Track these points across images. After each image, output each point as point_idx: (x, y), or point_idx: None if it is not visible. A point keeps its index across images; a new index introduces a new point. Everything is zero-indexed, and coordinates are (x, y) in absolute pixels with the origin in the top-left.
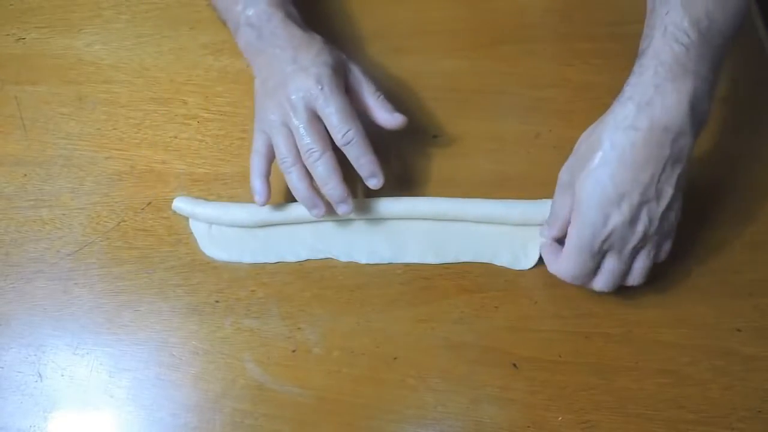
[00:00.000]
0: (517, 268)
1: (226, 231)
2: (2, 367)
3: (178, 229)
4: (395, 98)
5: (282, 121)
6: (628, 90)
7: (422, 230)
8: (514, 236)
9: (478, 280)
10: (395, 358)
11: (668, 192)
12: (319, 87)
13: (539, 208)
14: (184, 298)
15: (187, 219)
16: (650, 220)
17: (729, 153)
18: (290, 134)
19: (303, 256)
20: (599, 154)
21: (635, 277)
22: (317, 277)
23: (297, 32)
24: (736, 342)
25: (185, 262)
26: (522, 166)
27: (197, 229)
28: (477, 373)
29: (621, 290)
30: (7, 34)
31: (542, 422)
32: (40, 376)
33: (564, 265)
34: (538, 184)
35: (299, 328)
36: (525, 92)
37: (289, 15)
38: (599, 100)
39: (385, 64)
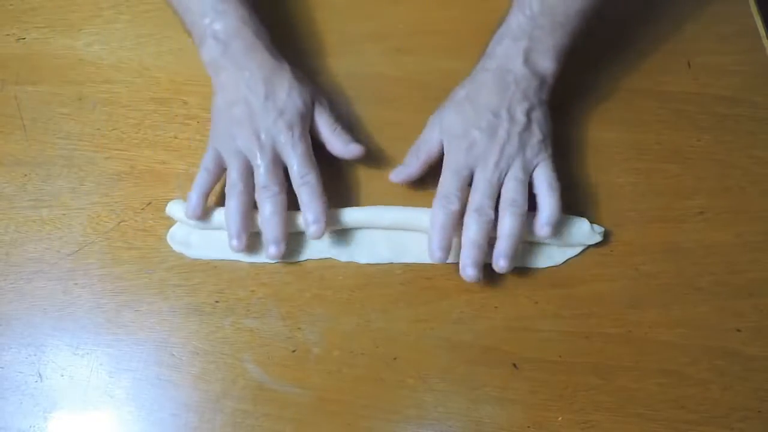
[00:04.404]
0: (518, 265)
1: (212, 234)
2: (2, 367)
3: None
4: (395, 98)
5: (244, 151)
6: (486, 50)
7: (422, 230)
8: None
9: None
10: (395, 358)
11: (520, 118)
12: (290, 133)
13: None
14: (184, 298)
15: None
16: (508, 136)
17: (728, 152)
18: (247, 164)
19: (303, 256)
20: (462, 91)
21: (508, 198)
22: (317, 277)
23: (267, 57)
24: (736, 342)
25: (185, 262)
26: None
27: (176, 237)
28: (477, 373)
29: (621, 290)
30: (7, 34)
31: (542, 422)
32: (40, 376)
33: (441, 184)
34: None
35: (299, 328)
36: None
37: (257, 34)
38: (599, 99)
39: (385, 64)
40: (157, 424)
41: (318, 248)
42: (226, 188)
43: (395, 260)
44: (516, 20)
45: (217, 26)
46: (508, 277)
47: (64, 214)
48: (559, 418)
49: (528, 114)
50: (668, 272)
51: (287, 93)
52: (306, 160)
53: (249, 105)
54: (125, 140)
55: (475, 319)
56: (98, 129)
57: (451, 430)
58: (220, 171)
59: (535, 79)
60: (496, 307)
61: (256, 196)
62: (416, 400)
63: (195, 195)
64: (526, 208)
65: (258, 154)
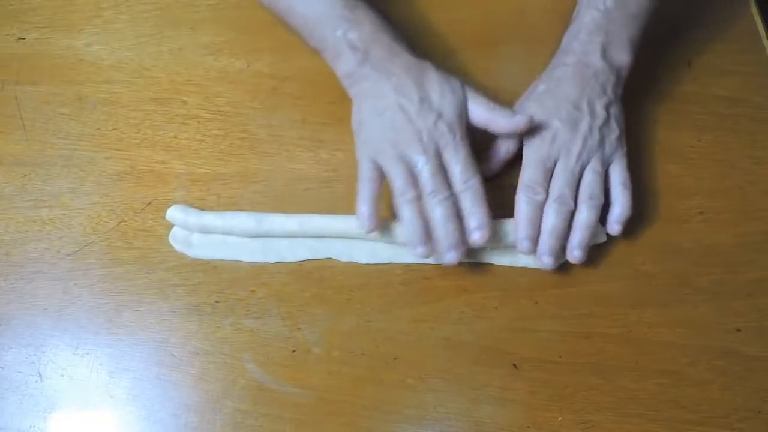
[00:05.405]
0: (519, 266)
1: (210, 236)
2: (2, 367)
3: None
4: None
5: (404, 157)
6: (561, 46)
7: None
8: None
9: (478, 280)
10: (395, 358)
11: (600, 112)
12: (452, 135)
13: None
14: (184, 298)
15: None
16: (590, 130)
17: (728, 152)
18: (409, 169)
19: (303, 256)
20: (541, 86)
21: (585, 190)
22: (317, 277)
23: (410, 59)
24: (736, 342)
25: (185, 262)
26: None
27: (178, 238)
28: (477, 373)
29: (621, 290)
30: (7, 34)
31: (542, 422)
32: (40, 376)
33: (524, 175)
34: None
35: (299, 328)
36: (525, 92)
37: (394, 37)
38: None
39: None
40: (157, 424)
41: (318, 248)
42: (394, 198)
43: (395, 260)
44: (590, 15)
45: (352, 36)
46: (508, 277)
47: (64, 214)
48: (559, 418)
49: (607, 109)
50: (668, 272)
51: (440, 93)
52: (469, 164)
53: (404, 110)
54: (125, 140)
55: (475, 319)
56: (98, 129)
57: (451, 430)
58: (382, 179)
59: (612, 73)
60: (496, 307)
61: (424, 201)
62: (416, 400)
63: (366, 206)
64: (603, 200)
65: (422, 159)
